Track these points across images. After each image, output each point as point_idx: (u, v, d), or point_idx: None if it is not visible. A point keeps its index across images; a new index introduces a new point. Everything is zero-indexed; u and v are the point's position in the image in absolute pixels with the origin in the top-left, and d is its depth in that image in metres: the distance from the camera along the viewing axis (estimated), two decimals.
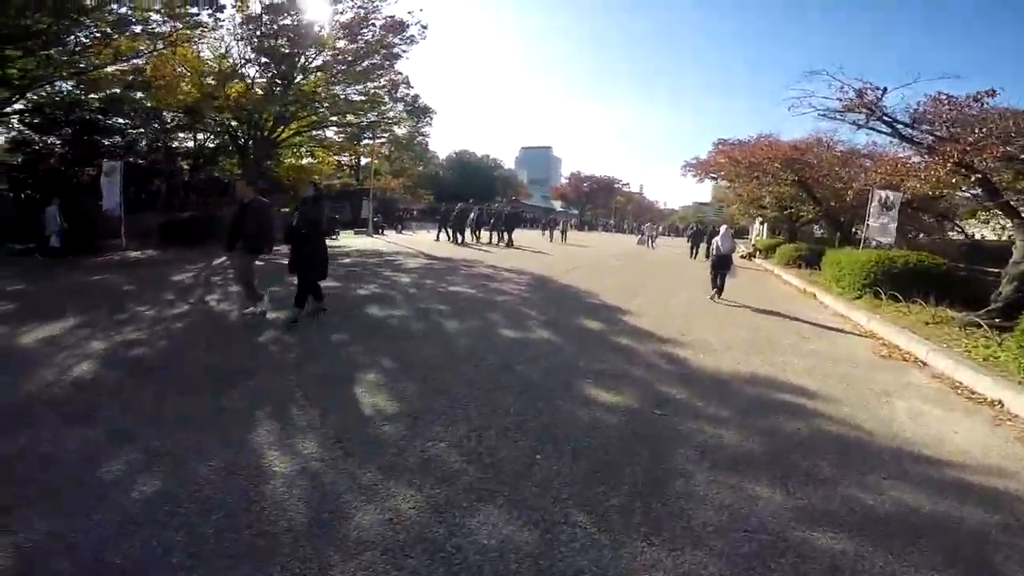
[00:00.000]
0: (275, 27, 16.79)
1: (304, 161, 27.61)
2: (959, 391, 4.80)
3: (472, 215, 19.92)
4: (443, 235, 18.89)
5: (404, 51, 18.61)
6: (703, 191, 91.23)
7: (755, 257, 22.84)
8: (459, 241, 18.46)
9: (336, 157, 31.61)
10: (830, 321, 7.97)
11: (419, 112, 20.30)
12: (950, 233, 16.78)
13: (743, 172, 15.95)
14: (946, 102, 6.90)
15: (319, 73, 18.31)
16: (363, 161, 54.77)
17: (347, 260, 11.91)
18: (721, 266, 9.18)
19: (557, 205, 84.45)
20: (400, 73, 19.75)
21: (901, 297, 8.35)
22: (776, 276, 15.05)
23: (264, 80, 18.07)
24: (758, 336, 6.26)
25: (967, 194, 10.44)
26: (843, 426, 3.76)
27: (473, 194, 59.69)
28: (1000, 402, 4.46)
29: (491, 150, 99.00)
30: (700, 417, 3.65)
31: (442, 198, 53.47)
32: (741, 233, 36.48)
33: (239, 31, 16.99)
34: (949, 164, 6.55)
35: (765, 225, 30.54)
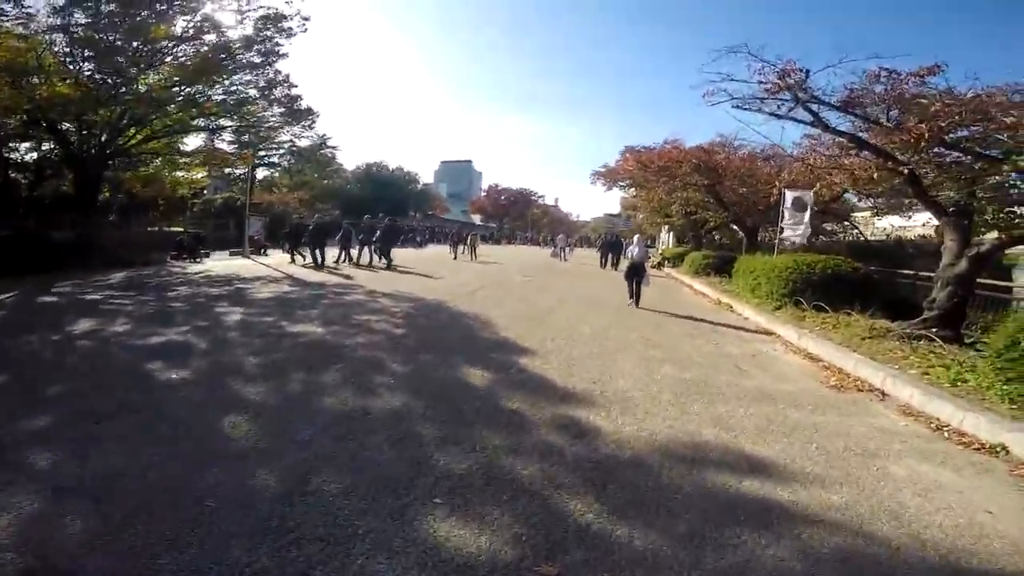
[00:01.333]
0: (104, 20, 13.59)
1: (178, 173, 23.47)
2: (945, 433, 3.68)
3: (341, 232, 16.22)
4: (316, 256, 14.61)
5: (280, 45, 16.03)
6: (612, 202, 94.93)
7: (664, 266, 22.73)
8: (316, 264, 14.25)
9: (229, 169, 27.33)
10: (759, 341, 6.92)
11: (299, 115, 17.56)
12: (840, 234, 17.40)
13: (651, 177, 15.29)
14: (885, 79, 6.15)
15: (167, 70, 15.17)
16: (260, 174, 49.79)
17: (180, 290, 9.16)
18: (635, 274, 9.24)
19: (477, 219, 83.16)
20: (279, 72, 17.05)
21: (825, 306, 7.59)
22: (688, 286, 14.45)
23: (88, 78, 14.54)
24: (689, 376, 4.84)
25: (867, 192, 10.15)
26: (844, 536, 2.34)
27: (384, 209, 56.35)
28: (1004, 448, 3.36)
29: (411, 164, 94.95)
30: (619, 568, 2.00)
31: (350, 213, 49.68)
32: (650, 242, 37.33)
33: (57, 20, 13.56)
34: (880, 156, 5.84)
35: (671, 234, 31.20)
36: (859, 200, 14.31)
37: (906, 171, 6.03)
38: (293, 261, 15.42)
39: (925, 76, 6.00)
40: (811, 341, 6.29)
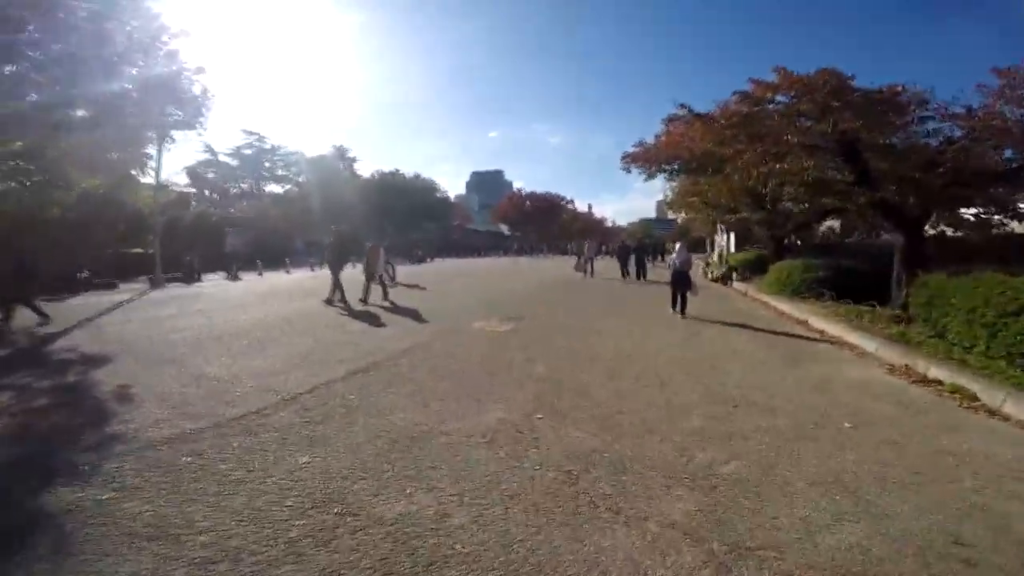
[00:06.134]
0: None
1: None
2: None
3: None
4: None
5: None
6: (650, 207, 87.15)
7: (732, 280, 16.23)
8: None
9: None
10: None
11: (185, 103, 12.79)
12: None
13: (724, 138, 9.05)
14: None
15: None
16: (280, 188, 45.56)
17: None
18: (679, 283, 8.62)
19: (505, 229, 77.45)
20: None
21: None
22: (802, 323, 8.18)
23: None
24: None
25: None
26: None
27: (399, 220, 51.62)
28: None
29: (440, 177, 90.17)
30: None
31: (362, 225, 44.81)
32: (696, 247, 30.33)
33: None
34: None
35: (731, 235, 24.37)
36: None
37: None
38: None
39: None
40: None
